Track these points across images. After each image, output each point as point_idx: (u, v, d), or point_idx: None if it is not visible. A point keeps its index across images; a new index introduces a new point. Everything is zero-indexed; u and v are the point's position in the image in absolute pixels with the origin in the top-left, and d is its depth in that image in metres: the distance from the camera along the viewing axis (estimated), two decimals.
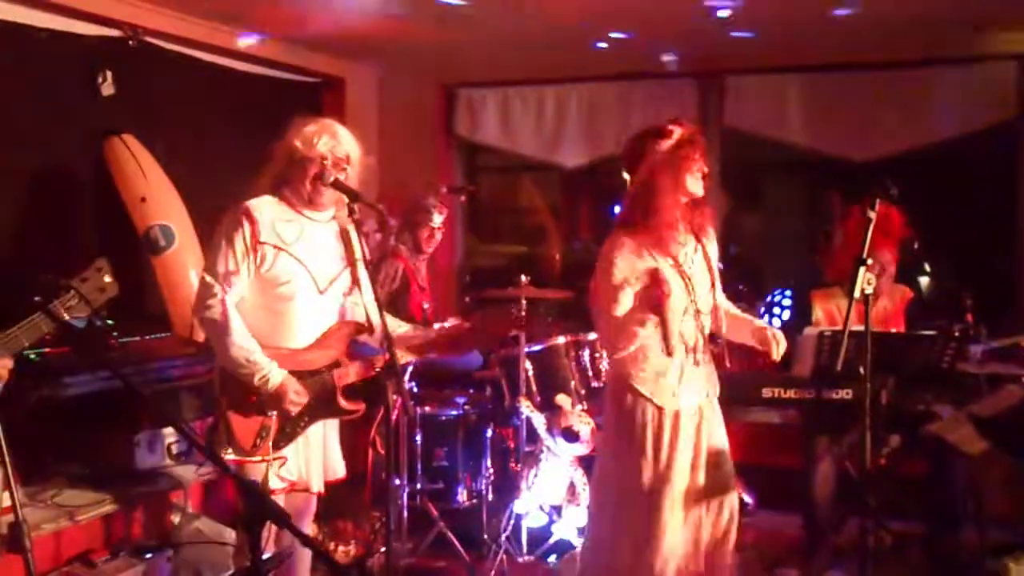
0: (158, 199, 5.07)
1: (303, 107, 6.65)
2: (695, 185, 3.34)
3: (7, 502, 3.31)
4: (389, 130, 7.22)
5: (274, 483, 3.34)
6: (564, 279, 6.90)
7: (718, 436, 3.47)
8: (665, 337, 3.30)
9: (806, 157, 6.63)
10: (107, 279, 2.37)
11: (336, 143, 3.45)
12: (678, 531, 3.35)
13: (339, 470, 3.66)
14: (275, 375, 3.32)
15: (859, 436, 3.42)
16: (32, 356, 4.16)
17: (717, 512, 3.43)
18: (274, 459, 3.33)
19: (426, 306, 5.36)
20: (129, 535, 4.19)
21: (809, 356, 4.34)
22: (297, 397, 3.37)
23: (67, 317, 2.34)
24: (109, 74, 5.16)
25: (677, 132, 3.31)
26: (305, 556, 3.67)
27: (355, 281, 3.58)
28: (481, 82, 7.15)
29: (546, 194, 7.89)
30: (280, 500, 3.36)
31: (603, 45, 5.97)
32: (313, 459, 3.53)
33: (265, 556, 2.11)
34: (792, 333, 4.65)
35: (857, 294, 3.22)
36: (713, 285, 3.45)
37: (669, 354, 3.33)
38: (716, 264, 3.50)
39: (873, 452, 3.46)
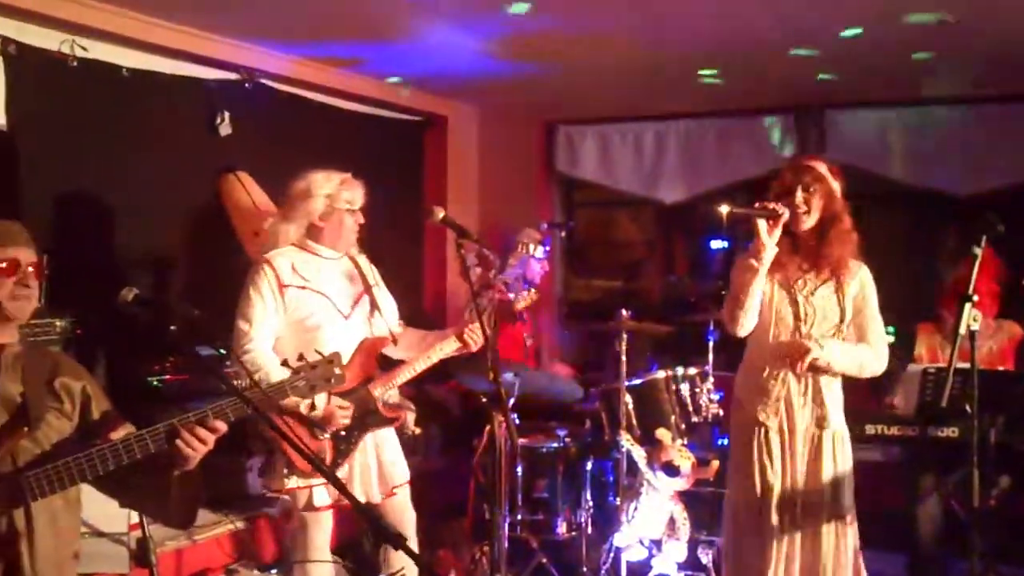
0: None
1: (407, 145, 6.96)
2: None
3: (135, 519, 3.52)
4: (490, 166, 7.39)
5: (320, 501, 3.58)
6: (662, 314, 6.92)
7: (830, 468, 3.47)
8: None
9: (908, 191, 6.55)
10: (337, 371, 2.54)
11: (358, 194, 3.82)
12: (777, 556, 3.39)
13: (400, 476, 3.85)
14: (319, 400, 3.54)
15: (966, 476, 3.37)
16: (155, 383, 4.40)
17: (812, 548, 3.42)
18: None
19: (527, 337, 5.46)
20: (242, 556, 4.34)
21: (913, 393, 4.29)
22: (344, 412, 3.61)
23: (291, 396, 2.51)
24: (227, 114, 5.42)
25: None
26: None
27: (374, 305, 3.86)
28: (580, 119, 7.26)
29: (642, 229, 7.93)
30: (327, 517, 3.65)
31: (699, 80, 6.01)
32: (365, 473, 3.74)
33: None
34: (896, 368, 4.62)
35: (963, 331, 3.19)
36: (840, 323, 3.50)
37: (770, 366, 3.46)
38: (854, 305, 3.52)
39: (981, 492, 3.39)
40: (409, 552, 2.24)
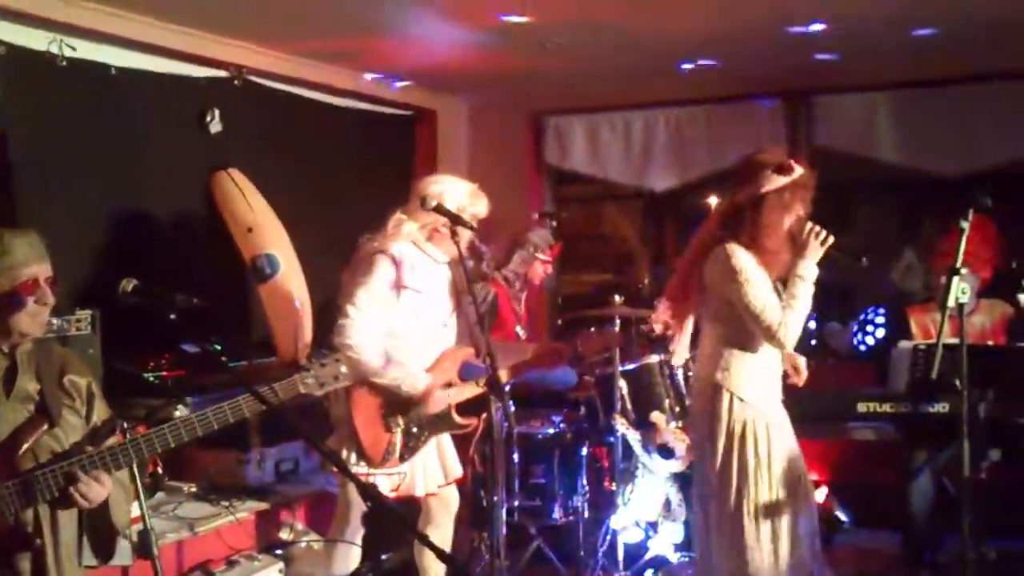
0: (263, 229, 5.28)
1: (397, 139, 6.99)
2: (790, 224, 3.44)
3: (136, 512, 3.54)
4: (479, 160, 7.40)
5: (383, 490, 3.62)
6: (653, 302, 6.95)
7: (792, 440, 3.52)
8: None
9: (898, 175, 6.59)
10: (343, 370, 2.61)
11: (483, 208, 3.93)
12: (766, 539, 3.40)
13: (456, 470, 4.07)
14: (421, 379, 3.76)
15: (957, 451, 3.42)
16: (152, 378, 4.43)
17: (794, 523, 3.44)
18: (397, 473, 3.76)
19: (520, 331, 5.49)
20: (243, 547, 4.37)
21: (904, 370, 4.34)
22: (441, 396, 3.81)
23: (301, 391, 2.56)
24: (216, 112, 5.44)
25: (796, 172, 3.39)
26: (438, 567, 3.99)
27: (463, 316, 4.03)
28: (569, 109, 7.28)
29: (631, 221, 7.95)
30: None
31: (688, 66, 6.03)
32: (429, 465, 3.91)
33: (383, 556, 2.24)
34: (887, 350, 4.69)
35: (951, 303, 3.24)
36: None
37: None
38: None
39: (972, 466, 3.45)
40: (417, 534, 2.44)
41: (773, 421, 3.44)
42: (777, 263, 3.44)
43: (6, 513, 2.28)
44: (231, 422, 2.51)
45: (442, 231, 3.83)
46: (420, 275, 3.86)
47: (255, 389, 2.40)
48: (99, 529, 2.52)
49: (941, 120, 6.28)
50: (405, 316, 3.83)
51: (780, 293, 3.43)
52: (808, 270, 3.37)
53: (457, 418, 3.94)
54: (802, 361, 3.71)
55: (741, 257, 3.37)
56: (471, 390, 3.91)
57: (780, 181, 3.37)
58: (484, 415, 3.76)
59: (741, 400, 3.40)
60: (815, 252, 3.38)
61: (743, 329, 3.41)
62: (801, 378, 3.70)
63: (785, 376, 3.62)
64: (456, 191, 3.86)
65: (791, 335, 3.34)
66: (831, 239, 3.38)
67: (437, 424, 3.90)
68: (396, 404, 3.80)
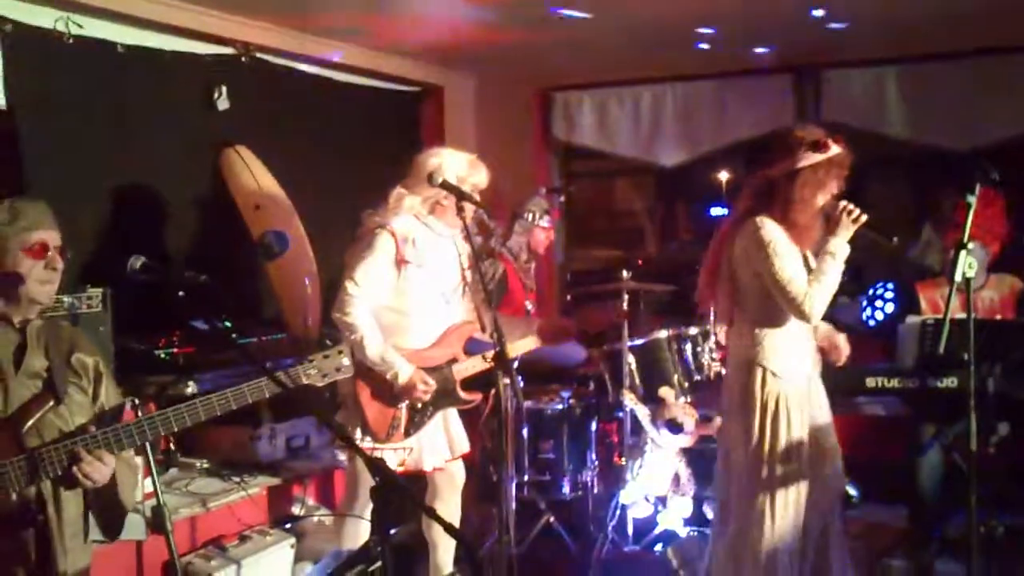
0: (271, 206, 5.29)
1: (403, 115, 6.97)
2: (825, 201, 3.45)
3: (149, 488, 3.58)
4: (487, 135, 7.38)
5: (391, 465, 3.63)
6: (662, 278, 6.94)
7: (824, 411, 3.57)
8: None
9: (907, 149, 6.56)
10: (346, 362, 2.64)
11: (483, 177, 3.90)
12: (789, 507, 3.43)
13: (463, 445, 4.07)
14: (404, 371, 3.73)
15: (966, 425, 3.42)
16: (163, 355, 4.45)
17: (823, 491, 3.49)
18: (403, 448, 3.78)
19: (529, 306, 5.51)
20: (255, 523, 4.40)
21: (913, 345, 4.33)
22: (424, 387, 3.77)
23: (304, 382, 2.59)
24: (224, 89, 5.42)
25: (833, 150, 3.38)
26: (447, 542, 4.05)
27: (468, 290, 4.03)
28: (577, 84, 7.25)
29: (641, 197, 7.94)
30: None
31: (705, 46, 6.00)
32: (436, 440, 3.92)
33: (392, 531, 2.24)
34: (895, 325, 4.67)
35: (958, 278, 3.22)
36: None
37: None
38: None
39: (980, 441, 3.45)
40: (425, 509, 2.42)
41: (805, 393, 3.49)
42: (808, 239, 3.47)
43: (10, 489, 2.31)
44: (234, 408, 2.53)
45: (444, 203, 3.83)
46: (423, 249, 3.86)
47: (267, 369, 2.42)
48: (108, 507, 2.55)
49: (950, 94, 6.25)
50: (408, 291, 3.84)
51: (811, 269, 3.45)
52: (839, 247, 3.39)
53: (462, 393, 3.96)
54: (842, 338, 3.70)
55: (771, 230, 3.40)
56: (478, 365, 3.92)
57: (815, 158, 3.38)
58: (492, 391, 3.78)
59: (774, 375, 3.44)
60: (847, 229, 3.39)
61: (772, 303, 3.43)
62: (842, 355, 3.68)
63: (825, 354, 3.63)
64: (455, 162, 3.86)
65: (817, 308, 3.36)
66: (864, 217, 3.38)
67: (442, 399, 3.92)
68: None
